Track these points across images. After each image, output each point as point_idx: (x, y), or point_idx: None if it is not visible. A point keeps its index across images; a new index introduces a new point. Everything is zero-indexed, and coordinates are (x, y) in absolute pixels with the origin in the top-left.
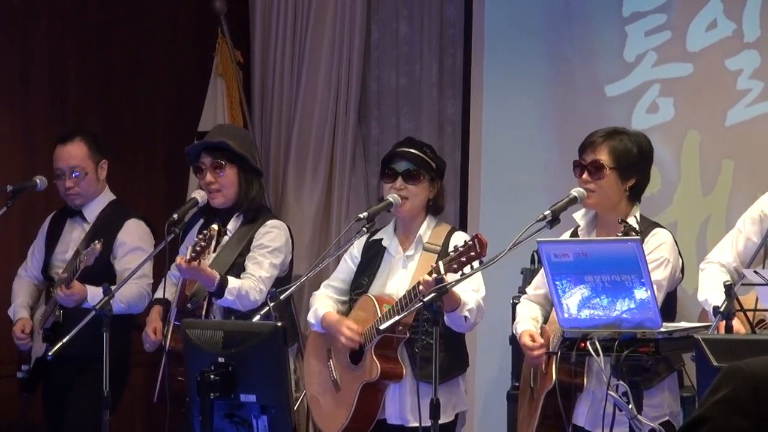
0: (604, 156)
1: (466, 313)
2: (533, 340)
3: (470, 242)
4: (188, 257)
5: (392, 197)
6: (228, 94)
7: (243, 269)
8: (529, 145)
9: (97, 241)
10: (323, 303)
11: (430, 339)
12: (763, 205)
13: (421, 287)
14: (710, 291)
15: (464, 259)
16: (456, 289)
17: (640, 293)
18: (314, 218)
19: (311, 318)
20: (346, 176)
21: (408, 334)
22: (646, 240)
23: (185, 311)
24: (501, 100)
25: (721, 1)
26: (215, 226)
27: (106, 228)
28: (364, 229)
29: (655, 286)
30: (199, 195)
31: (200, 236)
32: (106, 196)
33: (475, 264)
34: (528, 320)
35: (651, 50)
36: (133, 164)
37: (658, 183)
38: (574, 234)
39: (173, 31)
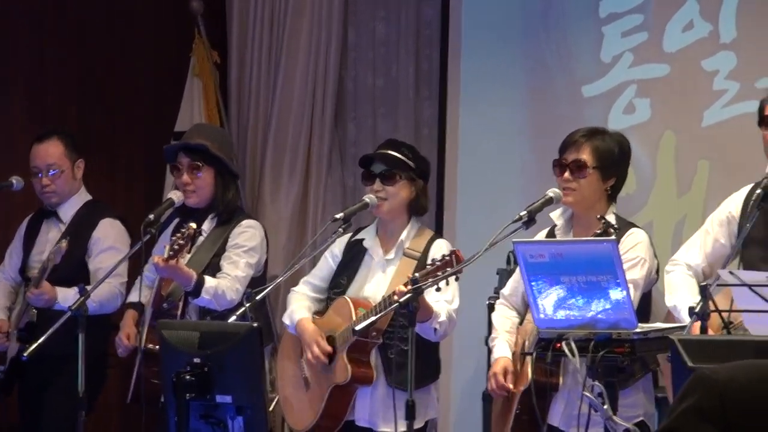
0: (586, 155)
1: (437, 325)
2: (504, 377)
3: (448, 257)
4: (166, 255)
5: (368, 198)
6: (205, 94)
7: (218, 269)
8: (506, 146)
9: (63, 240)
10: (300, 305)
11: (405, 345)
12: (730, 206)
13: (395, 297)
14: (679, 297)
15: (440, 274)
16: (430, 299)
17: (616, 294)
18: (290, 219)
19: (287, 320)
20: (322, 177)
21: (381, 340)
22: (622, 240)
23: (161, 311)
24: (478, 101)
25: (698, 2)
26: (193, 225)
27: (81, 227)
28: (340, 230)
29: (631, 286)
30: (175, 195)
31: (178, 234)
32: (82, 196)
33: (451, 279)
34: (505, 339)
35: (627, 51)
36: (110, 164)
37: (634, 183)
38: (551, 233)
39: (150, 31)
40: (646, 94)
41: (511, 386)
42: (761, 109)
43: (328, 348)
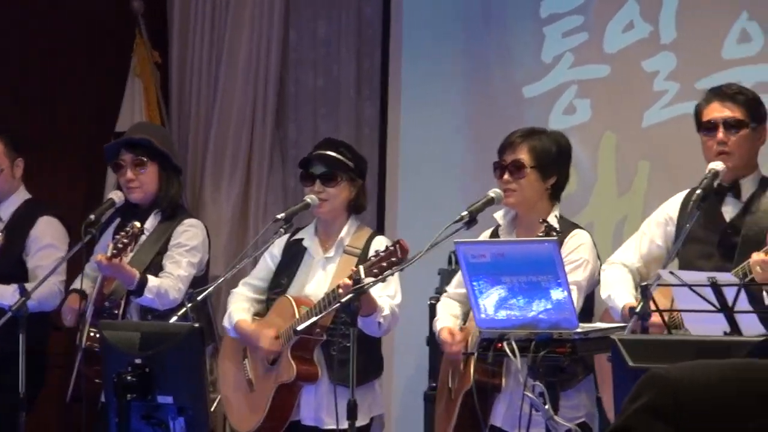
0: (524, 155)
1: (381, 319)
2: (452, 336)
3: (392, 247)
4: (109, 254)
5: (309, 198)
6: (146, 94)
7: (161, 268)
8: (447, 146)
9: None
10: (238, 307)
11: (347, 342)
12: (668, 209)
13: (340, 290)
14: (613, 287)
15: (385, 264)
16: (372, 292)
17: (557, 294)
18: (231, 219)
19: (226, 323)
20: (263, 177)
21: (325, 337)
22: (565, 241)
23: (103, 310)
24: (419, 101)
25: (638, 3)
26: (137, 223)
27: (20, 225)
28: (281, 230)
29: (575, 288)
30: (116, 196)
31: (122, 233)
32: (21, 195)
33: (396, 269)
34: (447, 317)
35: (568, 51)
36: (51, 164)
37: (574, 184)
38: (495, 233)
39: (91, 31)
40: (587, 95)
41: (459, 338)
42: (697, 114)
43: (273, 332)
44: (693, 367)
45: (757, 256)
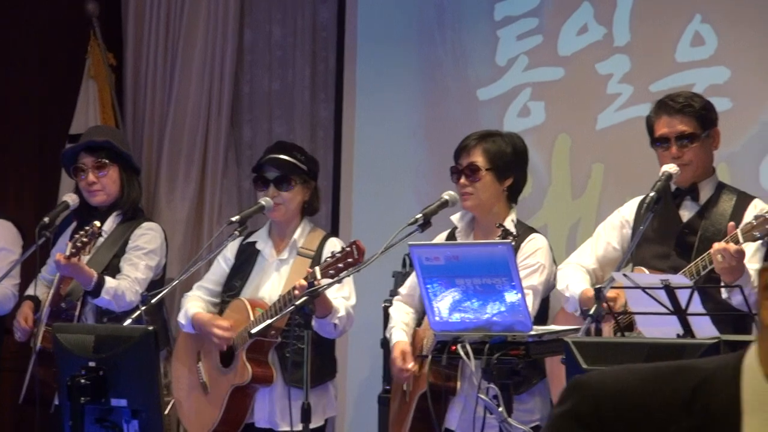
0: (478, 158)
1: (336, 321)
2: (404, 359)
3: (348, 248)
4: (68, 253)
5: (264, 200)
6: (100, 96)
7: (118, 270)
8: (402, 149)
9: None
10: (194, 303)
11: (301, 344)
12: (624, 212)
13: (296, 292)
14: (569, 279)
15: (341, 265)
16: (328, 294)
17: (511, 296)
18: (186, 221)
19: (181, 318)
20: (218, 180)
21: (280, 339)
22: (522, 245)
23: (59, 310)
24: (374, 103)
25: (592, 6)
26: (97, 223)
27: None
28: (236, 232)
29: (531, 292)
30: (70, 198)
31: (81, 232)
32: None
33: (351, 271)
34: (402, 328)
35: (522, 54)
36: (4, 166)
37: (529, 186)
38: (452, 235)
39: (45, 33)
40: (541, 98)
41: (410, 365)
42: (650, 128)
43: (230, 324)
44: (617, 372)
45: (718, 245)
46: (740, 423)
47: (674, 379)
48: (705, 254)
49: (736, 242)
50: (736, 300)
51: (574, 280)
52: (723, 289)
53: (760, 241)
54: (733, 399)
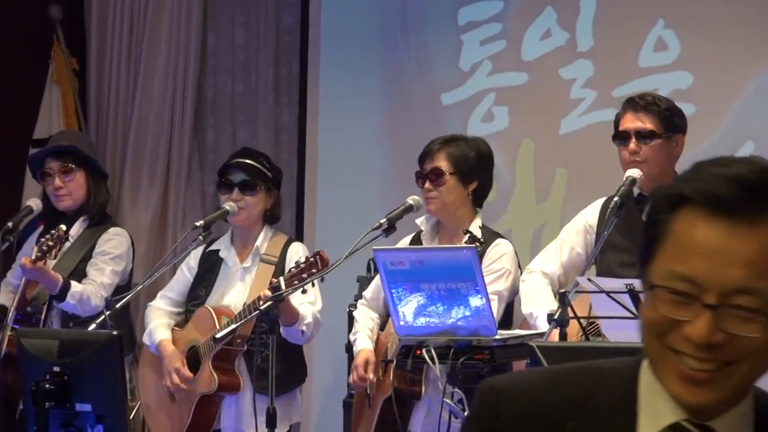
0: (442, 162)
1: (304, 328)
2: (366, 369)
3: (312, 258)
4: (33, 257)
5: (228, 205)
6: (64, 101)
7: (84, 275)
8: (366, 153)
9: None
10: (159, 323)
11: (268, 351)
12: (587, 216)
13: (261, 302)
14: (535, 304)
15: (305, 275)
16: (293, 302)
17: (476, 301)
18: (150, 226)
19: (146, 340)
20: (182, 184)
21: (246, 347)
22: (488, 251)
23: (25, 314)
24: (337, 107)
25: (555, 11)
26: (63, 227)
27: None
28: (200, 237)
29: (496, 297)
30: (34, 203)
31: (48, 236)
32: None
33: (316, 280)
34: (367, 334)
35: (486, 59)
36: None
37: (493, 191)
38: (416, 238)
39: (8, 38)
40: (505, 102)
41: (371, 376)
42: (615, 125)
43: (188, 374)
44: (523, 374)
45: None
46: (636, 419)
47: (576, 377)
48: None
49: None
50: None
51: (538, 306)
52: None
53: None
54: (629, 396)
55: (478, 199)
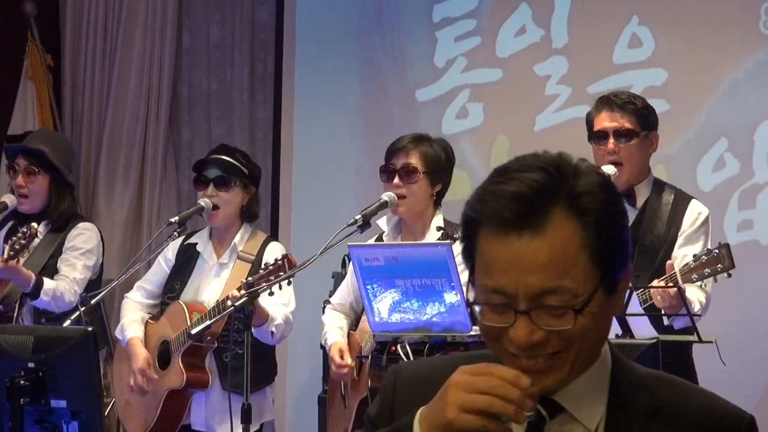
0: (415, 160)
1: (273, 329)
2: (342, 356)
3: (280, 261)
4: (5, 256)
5: (203, 201)
6: (38, 97)
7: (55, 271)
8: (341, 150)
9: None
10: (131, 318)
11: (240, 349)
12: None
13: (229, 302)
14: None
15: (273, 277)
16: (266, 302)
17: (450, 297)
18: (125, 222)
19: (119, 334)
20: (157, 181)
21: (216, 344)
22: (456, 245)
23: None
24: (312, 104)
25: (530, 8)
26: (35, 224)
27: None
28: (175, 233)
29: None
30: (9, 199)
31: (19, 234)
32: None
33: (284, 283)
34: (336, 330)
35: (461, 56)
36: None
37: (468, 187)
38: (379, 239)
39: None
40: (479, 99)
41: (349, 361)
42: (589, 123)
43: (153, 376)
44: (422, 360)
45: (657, 287)
46: None
47: (462, 362)
48: (644, 290)
49: (675, 282)
50: (678, 325)
51: None
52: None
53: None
54: None
55: (438, 200)
